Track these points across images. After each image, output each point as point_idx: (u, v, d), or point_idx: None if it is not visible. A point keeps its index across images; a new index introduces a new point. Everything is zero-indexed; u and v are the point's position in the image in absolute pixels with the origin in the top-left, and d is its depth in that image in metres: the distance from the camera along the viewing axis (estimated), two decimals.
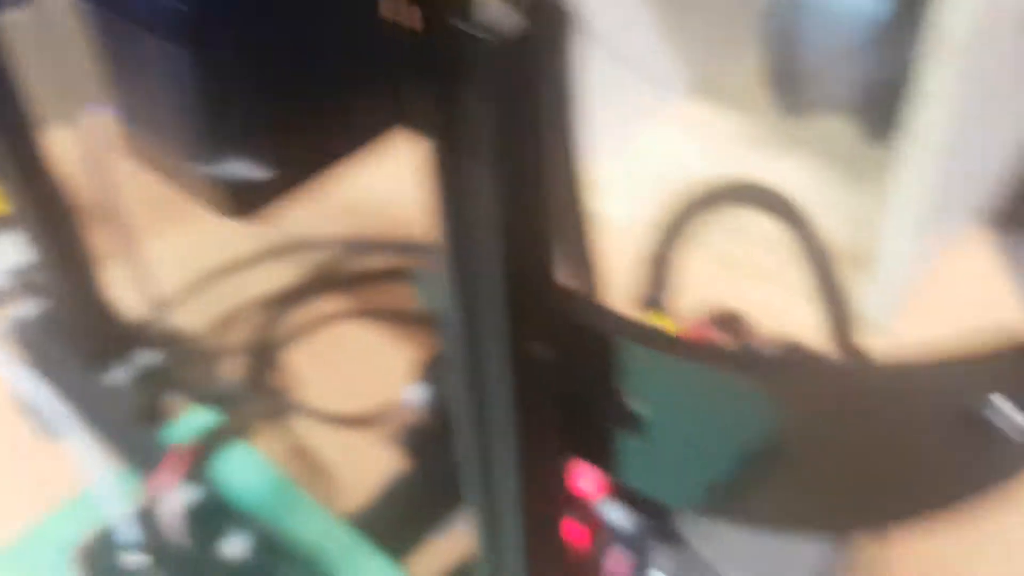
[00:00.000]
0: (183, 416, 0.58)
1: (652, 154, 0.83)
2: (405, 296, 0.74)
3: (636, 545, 0.34)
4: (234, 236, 0.78)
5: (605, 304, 0.28)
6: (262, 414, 0.66)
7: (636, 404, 0.28)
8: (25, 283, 0.55)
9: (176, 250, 0.79)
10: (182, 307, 0.74)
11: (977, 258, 0.74)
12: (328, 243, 0.78)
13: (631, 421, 0.28)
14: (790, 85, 0.71)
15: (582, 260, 0.43)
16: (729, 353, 0.25)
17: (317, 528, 0.50)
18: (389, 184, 0.84)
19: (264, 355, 0.70)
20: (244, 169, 0.19)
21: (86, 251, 0.52)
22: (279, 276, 0.75)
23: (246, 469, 0.52)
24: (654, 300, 0.38)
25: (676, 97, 0.86)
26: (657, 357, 0.26)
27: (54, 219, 0.51)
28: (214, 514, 0.46)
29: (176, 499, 0.44)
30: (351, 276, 0.76)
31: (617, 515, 0.35)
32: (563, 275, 0.41)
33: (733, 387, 0.25)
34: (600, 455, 0.31)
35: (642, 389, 0.27)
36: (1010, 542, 0.57)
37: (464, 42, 0.20)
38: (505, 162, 0.22)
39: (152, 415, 0.57)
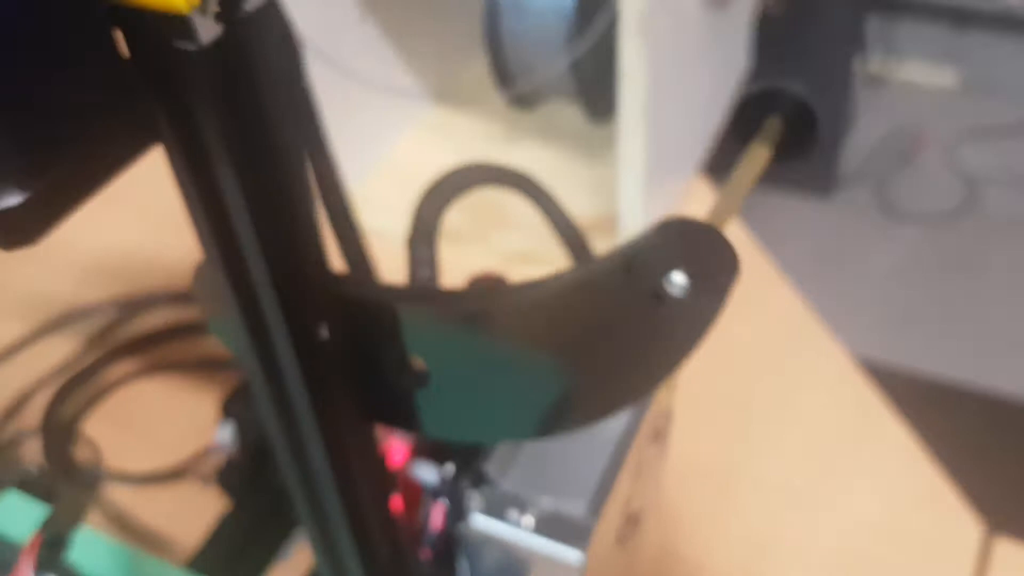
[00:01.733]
0: None
1: (404, 163, 0.87)
2: (191, 343, 0.75)
3: (450, 494, 0.38)
4: (4, 320, 0.76)
5: (372, 279, 0.32)
6: (76, 491, 0.65)
7: (416, 360, 0.32)
8: None
9: None
10: None
11: (704, 204, 0.83)
12: (98, 308, 0.77)
13: (415, 377, 0.32)
14: (511, 81, 0.77)
15: (356, 254, 0.47)
16: (463, 292, 0.29)
17: None
18: (151, 240, 0.84)
19: (62, 431, 0.69)
20: (4, 201, 0.21)
21: None
22: (56, 351, 0.74)
23: (96, 553, 0.52)
24: (421, 280, 0.42)
25: (421, 106, 0.91)
26: (417, 313, 0.30)
27: None
28: None
29: None
30: (130, 336, 0.76)
31: (427, 472, 0.38)
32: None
33: (479, 321, 0.29)
34: (399, 416, 0.34)
35: (414, 345, 0.31)
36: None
37: (171, 57, 0.23)
38: (240, 162, 0.25)
39: None
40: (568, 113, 0.85)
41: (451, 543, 0.39)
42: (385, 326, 0.31)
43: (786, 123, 0.27)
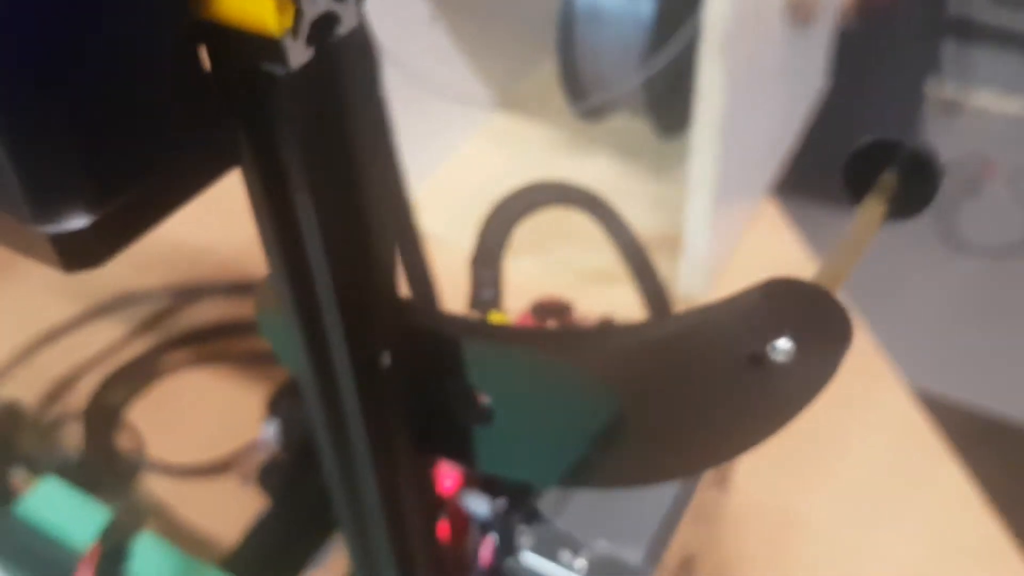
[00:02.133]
0: (32, 490, 0.56)
1: (465, 169, 0.86)
2: (242, 337, 0.74)
3: (500, 529, 0.37)
4: (56, 299, 0.76)
5: (439, 308, 0.30)
6: (115, 480, 0.65)
7: (479, 395, 0.30)
8: None
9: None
10: (10, 378, 0.71)
11: (772, 227, 0.81)
12: (153, 295, 0.77)
13: (478, 412, 0.31)
14: (581, 92, 0.76)
15: (420, 275, 0.45)
16: (540, 332, 0.28)
17: None
18: (206, 229, 0.84)
19: (105, 417, 0.69)
20: (72, 222, 0.20)
21: None
22: (108, 335, 0.74)
23: (160, 561, 0.51)
24: (484, 301, 0.41)
25: (485, 112, 0.90)
26: (486, 347, 0.28)
27: None
28: None
29: None
30: (182, 326, 0.75)
31: (478, 504, 0.37)
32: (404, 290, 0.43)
33: (553, 363, 0.28)
34: (456, 449, 0.33)
35: (480, 379, 0.29)
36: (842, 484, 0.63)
37: (257, 79, 0.21)
38: (319, 188, 0.24)
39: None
40: (635, 126, 0.83)
41: None
42: (449, 358, 0.30)
43: (903, 178, 0.26)
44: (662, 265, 0.76)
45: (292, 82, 0.22)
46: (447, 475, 0.38)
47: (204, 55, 0.22)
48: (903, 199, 0.27)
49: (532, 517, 0.37)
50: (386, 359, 0.30)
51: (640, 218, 0.79)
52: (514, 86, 0.92)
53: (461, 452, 0.32)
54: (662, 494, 0.38)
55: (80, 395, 0.70)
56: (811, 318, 0.22)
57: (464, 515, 0.38)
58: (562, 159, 0.86)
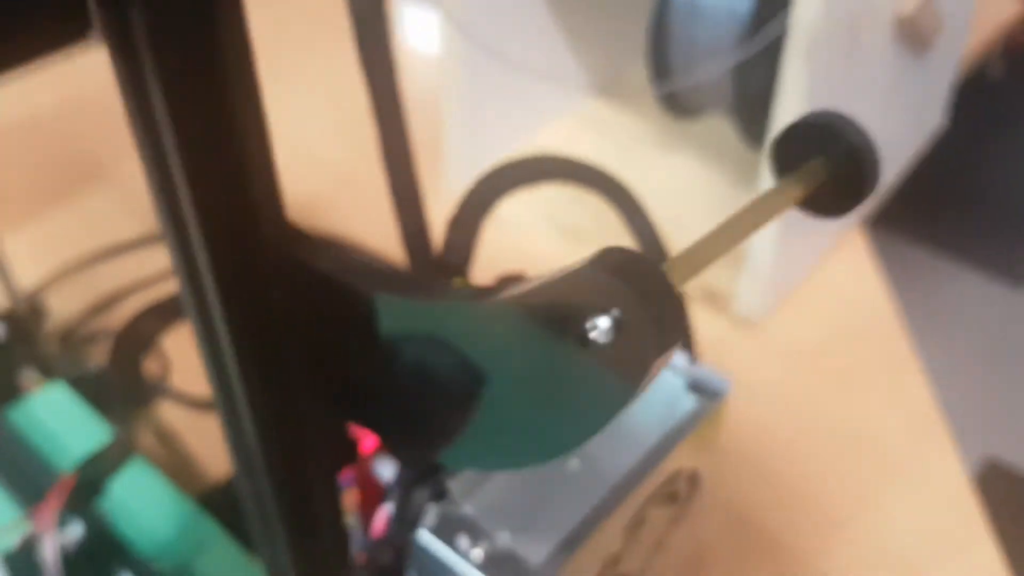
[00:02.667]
0: (35, 393, 0.57)
1: (551, 149, 0.83)
2: None
3: (399, 500, 0.34)
4: (127, 218, 0.78)
5: (333, 242, 0.28)
6: (131, 401, 0.65)
7: (376, 352, 0.28)
8: None
9: (61, 229, 0.79)
10: (61, 284, 0.73)
11: (855, 259, 0.75)
12: None
13: (374, 371, 0.28)
14: (666, 77, 0.72)
15: (416, 231, 0.43)
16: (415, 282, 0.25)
17: (217, 561, 0.47)
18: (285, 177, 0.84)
19: (138, 340, 0.70)
20: None
21: None
22: (160, 262, 0.75)
23: (142, 494, 0.49)
24: (450, 264, 0.38)
25: (577, 96, 0.87)
26: (384, 300, 0.26)
27: None
28: (101, 551, 0.43)
29: (56, 538, 0.42)
30: None
31: (386, 470, 0.35)
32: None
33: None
34: (357, 411, 0.30)
35: (362, 333, 0.27)
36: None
37: None
38: (169, 82, 0.22)
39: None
40: (725, 131, 0.79)
41: (402, 556, 0.35)
42: (351, 309, 0.28)
43: (834, 168, 0.22)
44: (721, 276, 0.71)
45: None
46: (364, 435, 0.36)
47: None
48: (829, 192, 0.23)
49: (440, 495, 0.34)
50: (279, 295, 0.28)
51: (710, 223, 0.75)
52: (613, 74, 0.89)
53: (365, 415, 0.30)
54: (585, 498, 0.35)
55: (121, 314, 0.71)
56: (642, 299, 0.19)
57: (376, 482, 0.35)
58: (646, 152, 0.82)
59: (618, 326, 0.19)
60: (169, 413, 0.65)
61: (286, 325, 0.29)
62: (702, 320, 0.69)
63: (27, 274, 0.71)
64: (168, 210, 0.26)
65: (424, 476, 0.34)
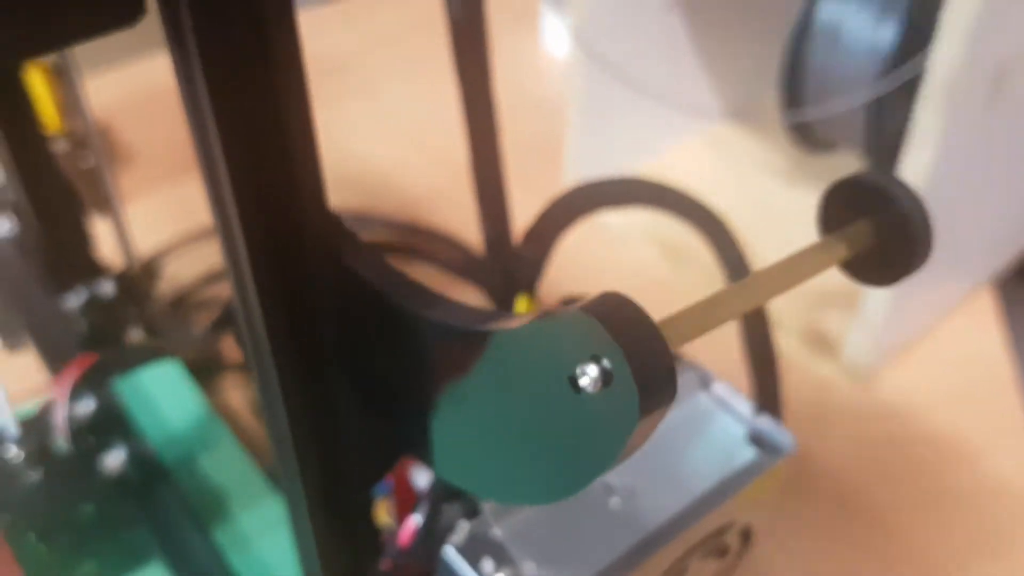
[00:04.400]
0: (146, 368, 0.60)
1: (668, 168, 0.81)
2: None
3: (429, 513, 0.34)
4: None
5: (390, 266, 0.28)
6: (228, 366, 0.67)
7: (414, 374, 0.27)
8: (2, 199, 0.58)
9: (186, 202, 0.82)
10: (183, 254, 0.76)
11: (981, 318, 0.70)
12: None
13: (411, 391, 0.28)
14: (798, 105, 0.69)
15: (497, 222, 0.43)
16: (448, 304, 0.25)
17: (220, 461, 0.49)
18: (395, 162, 0.85)
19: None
20: None
21: (54, 175, 0.55)
22: None
23: (160, 388, 0.52)
24: (524, 281, 0.38)
25: (710, 120, 0.85)
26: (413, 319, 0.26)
27: (27, 141, 0.53)
28: (105, 426, 0.47)
29: (63, 405, 0.45)
30: None
31: (422, 480, 0.34)
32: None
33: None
34: (399, 426, 0.30)
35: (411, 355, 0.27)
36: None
37: None
38: (212, 63, 0.22)
39: (100, 342, 0.59)
40: (853, 166, 0.75)
41: (429, 569, 0.35)
42: (386, 323, 0.28)
43: (883, 233, 0.20)
44: (832, 320, 0.68)
45: None
46: None
47: None
48: (876, 258, 0.21)
49: (472, 512, 0.34)
50: (312, 295, 0.28)
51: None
52: (744, 100, 0.86)
53: (407, 433, 0.30)
54: (622, 539, 0.33)
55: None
56: (629, 354, 0.17)
57: (410, 486, 0.35)
58: (770, 181, 0.80)
59: (606, 377, 0.18)
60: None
61: (326, 326, 0.29)
62: (808, 364, 0.66)
63: (149, 239, 0.74)
64: (217, 207, 0.26)
65: (458, 491, 0.34)
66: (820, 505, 0.58)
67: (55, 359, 0.57)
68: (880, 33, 0.63)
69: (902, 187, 0.22)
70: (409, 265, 0.76)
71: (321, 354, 0.29)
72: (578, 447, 0.20)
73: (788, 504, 0.54)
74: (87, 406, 0.47)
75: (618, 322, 0.18)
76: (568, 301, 0.39)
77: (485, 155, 0.41)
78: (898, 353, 0.67)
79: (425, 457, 0.29)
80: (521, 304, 0.38)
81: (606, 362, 0.18)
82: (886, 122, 0.64)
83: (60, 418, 0.45)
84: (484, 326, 0.21)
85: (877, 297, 0.63)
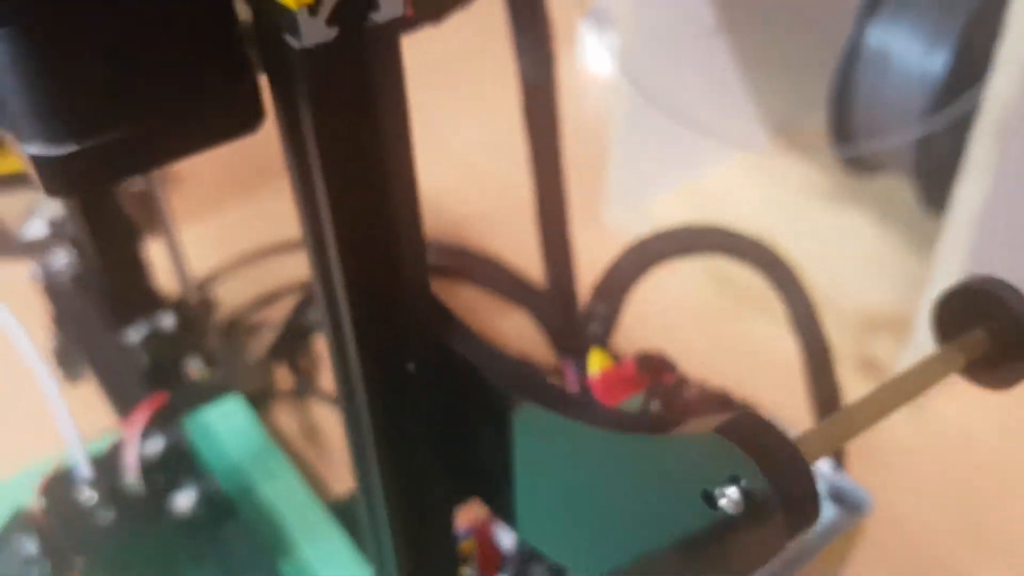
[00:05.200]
0: (212, 406, 0.60)
1: (711, 190, 0.82)
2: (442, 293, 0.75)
3: (516, 571, 0.34)
4: (292, 219, 0.81)
5: (480, 336, 0.28)
6: (282, 393, 0.68)
7: (504, 447, 0.28)
8: (59, 234, 0.59)
9: (234, 226, 0.83)
10: (228, 281, 0.77)
11: None
12: None
13: (503, 464, 0.28)
14: (847, 136, 0.69)
15: (563, 280, 0.44)
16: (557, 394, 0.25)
17: (281, 493, 0.50)
18: (446, 187, 0.86)
19: (296, 336, 0.72)
20: (56, 148, 0.20)
21: (116, 209, 0.55)
22: None
23: (227, 424, 0.53)
24: (592, 335, 0.38)
25: (750, 141, 0.85)
26: (514, 402, 0.26)
27: None
28: (175, 465, 0.47)
29: (135, 445, 0.46)
30: None
31: (506, 538, 0.35)
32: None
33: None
34: (484, 493, 0.31)
35: (503, 431, 0.27)
36: None
37: (278, 46, 0.21)
38: (331, 171, 0.22)
39: (162, 376, 0.60)
40: (902, 191, 0.75)
41: None
42: (481, 398, 0.28)
43: (998, 340, 0.20)
44: (882, 343, 0.68)
45: (308, 58, 0.21)
46: None
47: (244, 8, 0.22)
48: (993, 363, 0.22)
49: (559, 571, 0.34)
50: (410, 366, 0.29)
51: (879, 288, 0.72)
52: (788, 122, 0.86)
53: (493, 500, 0.30)
54: None
55: (282, 310, 0.74)
56: (777, 478, 0.18)
57: (495, 544, 0.36)
58: (813, 205, 0.80)
59: (747, 500, 0.18)
60: (315, 410, 0.68)
61: (420, 397, 0.29)
62: (858, 391, 0.66)
63: (200, 264, 0.75)
64: (323, 287, 0.27)
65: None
66: (889, 550, 0.58)
67: (117, 392, 0.58)
68: (931, 61, 0.63)
69: (1013, 292, 0.22)
70: (457, 288, 0.77)
71: (414, 428, 0.30)
72: (705, 557, 0.20)
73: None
74: (157, 445, 0.47)
75: (758, 446, 0.18)
76: (646, 357, 0.39)
77: (552, 210, 0.41)
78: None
79: (509, 519, 0.29)
80: (595, 358, 0.38)
81: (745, 483, 0.18)
82: (936, 148, 0.64)
83: (131, 458, 0.46)
84: (624, 432, 0.22)
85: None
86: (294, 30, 0.20)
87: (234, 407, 0.54)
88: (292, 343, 0.72)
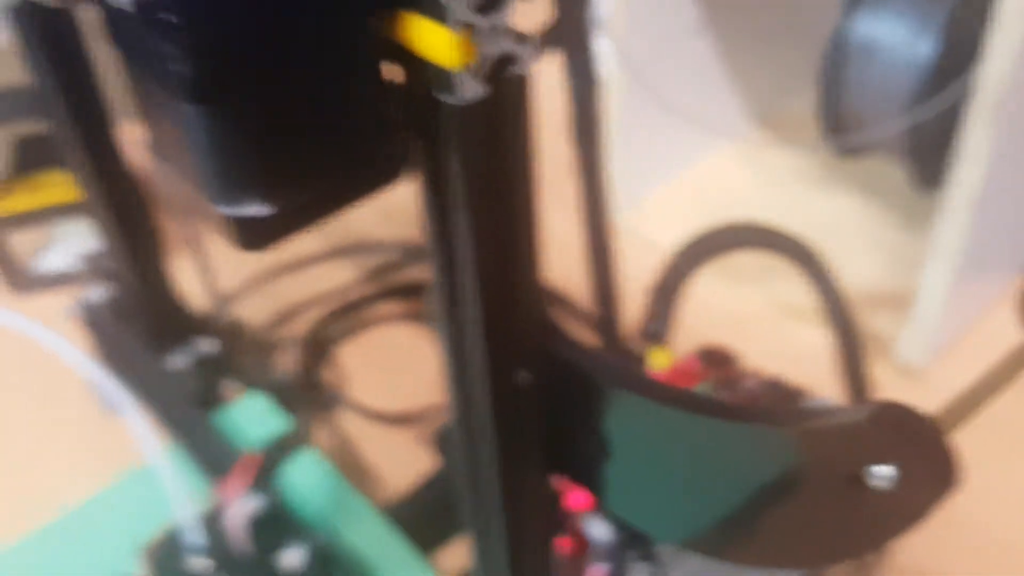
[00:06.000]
0: (237, 401, 0.62)
1: (704, 183, 0.85)
2: None
3: (614, 561, 0.37)
4: (306, 235, 0.83)
5: (579, 340, 0.31)
6: (313, 407, 0.70)
7: (607, 436, 0.31)
8: (95, 268, 0.60)
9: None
10: (246, 299, 0.79)
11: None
12: (388, 247, 0.82)
13: (603, 450, 0.31)
14: (838, 126, 0.72)
15: (607, 296, 0.46)
16: (683, 395, 0.28)
17: (372, 537, 0.52)
18: None
19: (318, 350, 0.74)
20: (253, 210, 0.23)
21: (155, 239, 0.57)
22: (339, 275, 0.80)
23: (310, 477, 0.55)
24: (651, 333, 0.41)
25: (739, 129, 0.88)
26: (621, 396, 0.29)
27: (125, 208, 0.54)
28: (277, 523, 0.48)
29: (242, 508, 0.47)
30: (406, 280, 0.80)
31: (599, 530, 0.37)
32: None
33: (687, 427, 0.28)
34: (583, 477, 0.33)
35: (609, 422, 0.30)
36: None
37: (437, 105, 0.23)
38: (476, 210, 0.25)
39: (207, 399, 0.61)
40: (891, 171, 0.79)
41: None
42: (585, 393, 0.31)
43: None
44: (885, 322, 0.72)
45: (463, 112, 0.23)
46: (578, 494, 0.39)
47: (397, 71, 0.24)
48: None
49: (648, 558, 0.37)
50: (524, 377, 0.31)
51: (875, 267, 0.76)
52: (774, 108, 0.90)
53: (588, 480, 0.33)
54: None
55: (302, 324, 0.76)
56: (916, 452, 0.21)
57: (584, 536, 0.38)
58: (807, 190, 0.83)
59: (900, 476, 0.21)
60: (345, 420, 0.70)
61: (532, 394, 0.32)
62: None
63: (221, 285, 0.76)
64: (449, 305, 0.29)
65: (638, 539, 0.37)
66: None
67: (164, 420, 0.59)
68: (918, 48, 0.66)
69: None
70: None
71: (526, 418, 0.32)
72: (848, 533, 0.23)
73: None
74: (256, 505, 0.48)
75: (908, 432, 0.21)
76: (708, 351, 0.42)
77: (596, 224, 0.44)
78: (948, 348, 0.71)
79: (607, 499, 0.32)
80: (657, 356, 0.41)
81: (899, 463, 0.21)
82: (926, 129, 0.68)
83: (236, 522, 0.46)
84: (780, 426, 0.24)
85: (934, 294, 0.66)
86: (450, 88, 0.23)
87: (311, 459, 0.56)
88: (317, 356, 0.74)
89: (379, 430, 0.69)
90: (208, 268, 0.62)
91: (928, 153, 0.69)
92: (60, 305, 0.62)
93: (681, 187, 0.84)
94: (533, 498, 0.34)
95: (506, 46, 0.23)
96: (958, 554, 0.59)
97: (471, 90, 0.23)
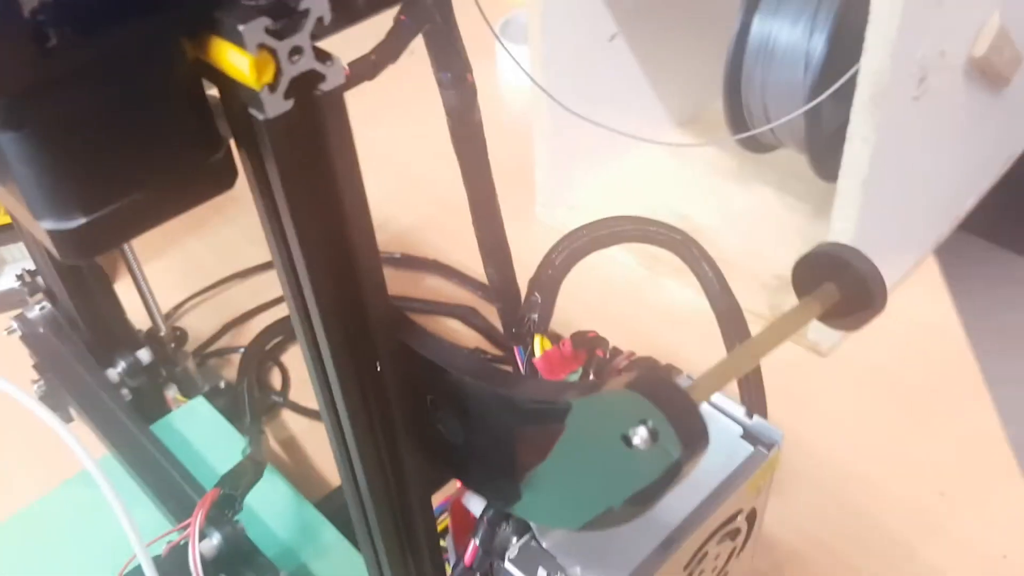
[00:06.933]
0: (179, 408, 0.65)
1: (625, 180, 0.88)
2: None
3: (487, 534, 0.40)
4: (253, 245, 0.86)
5: (432, 335, 0.34)
6: (258, 411, 0.73)
7: (463, 420, 0.34)
8: (31, 285, 0.63)
9: (192, 257, 0.87)
10: (195, 306, 0.82)
11: (927, 287, 0.77)
12: None
13: (449, 431, 0.34)
14: (743, 126, 0.76)
15: (506, 286, 0.49)
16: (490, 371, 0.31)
17: (339, 567, 0.54)
18: (394, 203, 0.91)
19: (262, 356, 0.77)
20: (75, 224, 0.25)
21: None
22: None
23: (271, 506, 0.56)
24: (529, 323, 0.44)
25: (659, 129, 0.92)
26: (453, 379, 0.32)
27: None
28: (239, 559, 0.49)
29: (204, 545, 0.48)
30: None
31: (474, 504, 0.40)
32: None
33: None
34: (446, 460, 0.36)
35: (449, 404, 0.33)
36: None
37: (245, 118, 0.26)
38: (297, 214, 0.28)
39: (148, 408, 0.64)
40: (799, 163, 0.82)
41: None
42: (432, 380, 0.34)
43: (846, 291, 0.26)
44: (793, 300, 0.75)
45: (269, 126, 0.26)
46: None
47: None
48: (844, 310, 0.28)
49: (522, 530, 0.40)
50: (377, 365, 0.34)
51: (785, 250, 0.79)
52: (692, 110, 0.93)
53: (450, 463, 0.36)
54: (651, 535, 0.40)
55: (248, 333, 0.79)
56: (672, 416, 0.24)
57: (468, 512, 0.41)
58: (723, 185, 0.87)
59: (653, 436, 0.24)
60: (290, 420, 0.73)
61: (389, 391, 0.35)
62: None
63: (165, 298, 0.79)
64: (299, 311, 0.32)
65: (509, 514, 0.40)
66: (806, 476, 0.65)
67: (104, 429, 0.62)
68: (811, 46, 0.70)
69: (854, 252, 0.28)
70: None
71: (384, 408, 0.35)
72: (629, 489, 0.26)
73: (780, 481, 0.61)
74: (214, 541, 0.48)
75: (659, 393, 0.24)
76: (578, 336, 0.45)
77: (487, 220, 0.47)
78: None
79: (478, 488, 0.35)
80: (539, 343, 0.44)
81: (651, 424, 0.24)
82: (821, 123, 0.71)
83: (198, 560, 0.47)
84: (563, 399, 0.27)
85: None
86: (258, 105, 0.25)
87: (272, 485, 0.57)
88: (261, 361, 0.77)
89: (321, 430, 0.72)
90: (146, 280, 0.65)
91: (826, 146, 0.73)
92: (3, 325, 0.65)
93: (606, 186, 0.88)
94: (399, 473, 0.37)
95: (307, 65, 0.25)
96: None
97: (275, 107, 0.25)
